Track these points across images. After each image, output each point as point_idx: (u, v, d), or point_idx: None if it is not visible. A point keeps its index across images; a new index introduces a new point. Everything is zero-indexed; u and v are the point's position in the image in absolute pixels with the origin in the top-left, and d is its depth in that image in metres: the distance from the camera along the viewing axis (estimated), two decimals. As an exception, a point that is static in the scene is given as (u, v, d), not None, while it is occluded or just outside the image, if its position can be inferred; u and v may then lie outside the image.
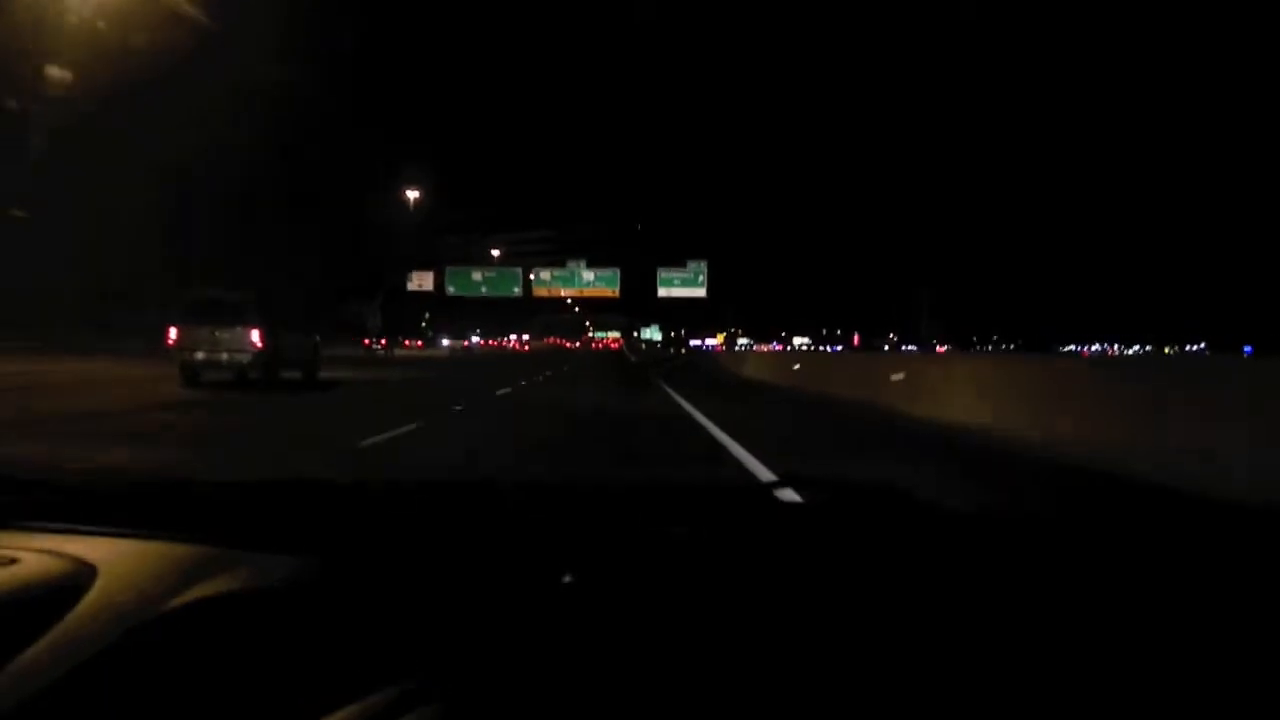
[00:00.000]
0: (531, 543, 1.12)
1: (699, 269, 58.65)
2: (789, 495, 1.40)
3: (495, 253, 66.12)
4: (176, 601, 0.92)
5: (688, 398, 14.23)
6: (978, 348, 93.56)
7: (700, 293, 59.18)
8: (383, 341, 52.36)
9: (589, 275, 60.33)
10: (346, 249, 59.35)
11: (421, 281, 62.25)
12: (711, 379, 23.38)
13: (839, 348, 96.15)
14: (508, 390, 16.29)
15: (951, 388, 9.21)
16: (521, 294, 61.66)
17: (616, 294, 61.06)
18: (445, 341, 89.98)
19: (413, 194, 58.80)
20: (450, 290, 62.05)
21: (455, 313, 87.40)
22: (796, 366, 18.72)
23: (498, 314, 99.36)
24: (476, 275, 61.90)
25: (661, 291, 59.19)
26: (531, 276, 61.02)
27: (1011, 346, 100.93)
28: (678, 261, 58.97)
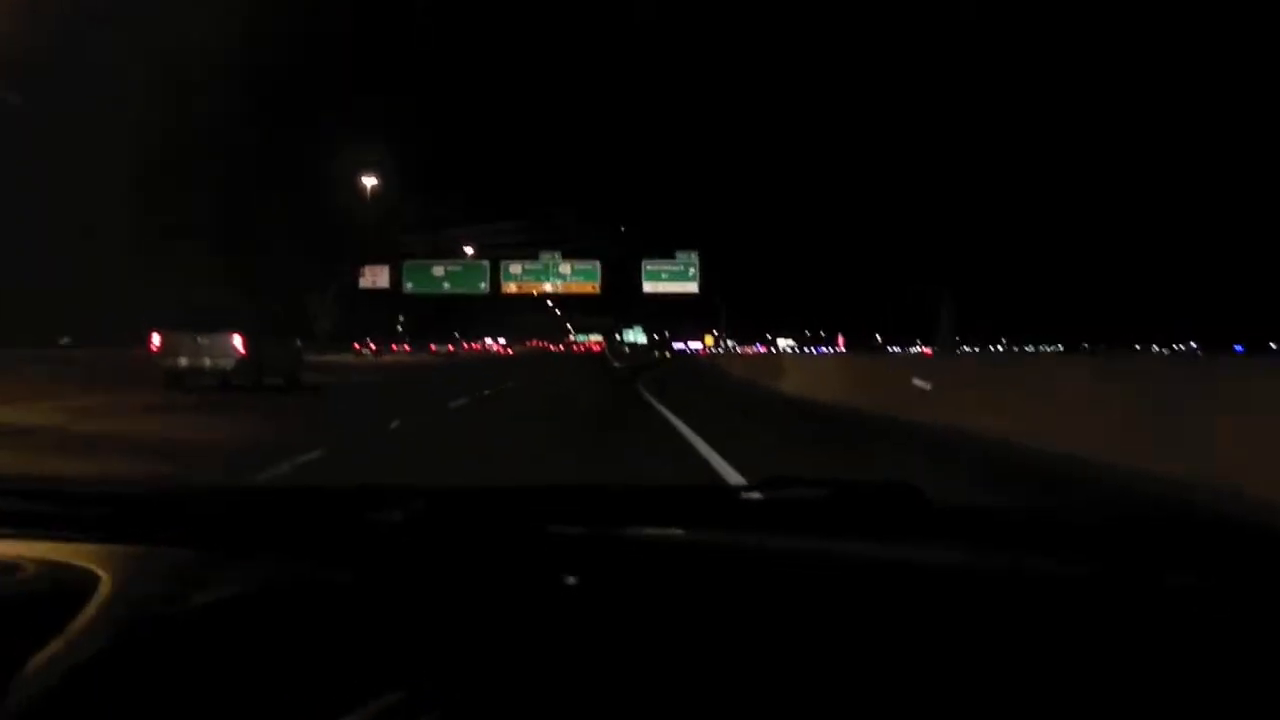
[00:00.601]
0: (532, 545, 1.11)
1: (689, 261, 51.93)
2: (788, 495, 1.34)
3: (469, 250, 58.88)
4: (180, 607, 0.94)
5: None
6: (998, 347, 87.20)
7: (691, 288, 52.47)
8: (373, 346, 54.38)
9: (565, 269, 53.47)
10: (298, 242, 52.73)
11: (375, 278, 55.08)
12: (763, 404, 17.20)
13: (823, 349, 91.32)
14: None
15: None
16: (488, 290, 54.65)
17: (597, 289, 54.18)
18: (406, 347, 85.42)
19: (370, 181, 52.72)
20: (408, 287, 54.88)
21: (425, 315, 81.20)
22: (922, 384, 12.49)
23: (473, 316, 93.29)
24: (438, 270, 54.81)
25: (648, 286, 52.34)
26: (501, 271, 54.13)
27: (997, 348, 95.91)
28: (665, 252, 52.40)
